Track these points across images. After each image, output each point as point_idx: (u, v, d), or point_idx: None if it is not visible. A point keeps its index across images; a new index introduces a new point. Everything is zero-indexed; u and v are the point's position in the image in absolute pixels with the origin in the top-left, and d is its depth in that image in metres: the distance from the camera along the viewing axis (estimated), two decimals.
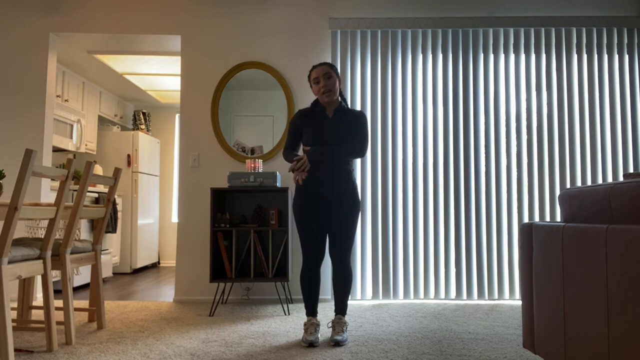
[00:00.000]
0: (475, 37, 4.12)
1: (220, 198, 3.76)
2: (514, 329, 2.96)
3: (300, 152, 3.60)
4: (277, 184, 3.59)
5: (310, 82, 2.83)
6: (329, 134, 2.75)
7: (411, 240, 4.00)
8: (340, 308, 2.80)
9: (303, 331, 2.81)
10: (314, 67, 2.81)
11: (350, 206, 2.76)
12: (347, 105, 2.91)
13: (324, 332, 2.93)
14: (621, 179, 4.01)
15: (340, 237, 2.74)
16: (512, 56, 4.13)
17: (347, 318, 3.30)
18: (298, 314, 3.43)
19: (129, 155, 5.92)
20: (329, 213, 2.76)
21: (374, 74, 4.08)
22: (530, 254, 2.13)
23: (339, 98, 2.87)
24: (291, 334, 2.86)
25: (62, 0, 4.06)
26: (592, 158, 4.07)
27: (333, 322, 2.75)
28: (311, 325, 2.70)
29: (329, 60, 4.08)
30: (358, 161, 4.04)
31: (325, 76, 2.75)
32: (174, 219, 7.00)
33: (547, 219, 4.04)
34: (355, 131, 2.80)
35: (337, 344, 2.61)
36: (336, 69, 2.82)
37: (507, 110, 4.10)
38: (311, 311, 2.78)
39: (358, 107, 4.07)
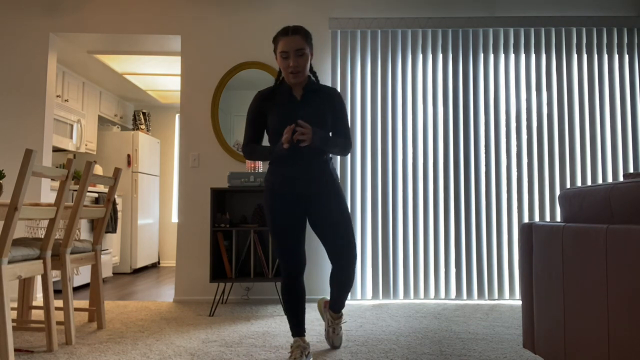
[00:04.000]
0: (475, 37, 4.12)
1: (220, 198, 3.76)
2: (514, 329, 2.96)
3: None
4: None
5: (276, 51, 2.28)
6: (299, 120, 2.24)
7: (411, 240, 4.00)
8: (339, 306, 2.50)
9: (290, 352, 2.33)
10: (283, 34, 2.24)
11: (338, 201, 2.34)
12: (317, 80, 2.41)
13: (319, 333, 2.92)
14: (621, 179, 4.01)
15: (340, 238, 2.33)
16: (512, 56, 4.13)
17: (349, 319, 3.29)
18: None
19: (129, 155, 5.92)
20: (314, 216, 2.35)
21: (374, 74, 4.08)
22: (530, 254, 2.13)
23: (309, 74, 2.37)
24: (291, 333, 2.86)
25: (62, 0, 4.06)
26: (592, 158, 4.06)
27: (333, 321, 2.55)
28: (297, 349, 2.25)
29: (329, 61, 4.08)
30: (358, 160, 4.03)
31: (297, 53, 2.22)
32: (174, 219, 7.00)
33: (547, 219, 4.04)
34: (327, 115, 2.32)
35: (333, 346, 2.55)
36: (311, 39, 2.30)
37: (507, 110, 4.10)
38: (297, 331, 2.32)
39: (358, 107, 4.06)
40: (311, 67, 2.37)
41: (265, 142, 3.43)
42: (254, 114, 2.36)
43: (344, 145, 2.37)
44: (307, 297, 3.94)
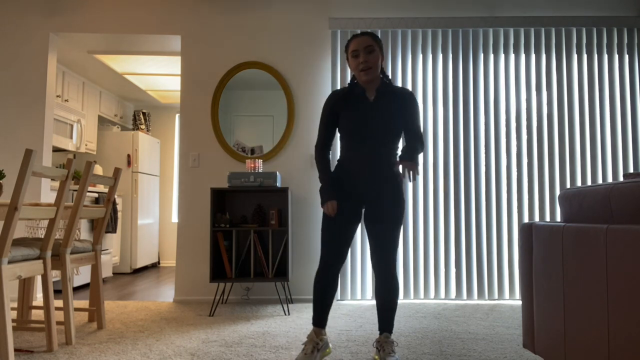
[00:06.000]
0: (475, 37, 4.12)
1: (220, 198, 3.76)
2: (514, 329, 2.96)
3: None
4: (277, 184, 3.59)
5: (348, 55, 2.37)
6: (371, 124, 2.31)
7: (411, 240, 4.00)
8: (386, 325, 2.36)
9: (303, 345, 2.33)
10: (354, 36, 2.35)
11: (395, 207, 2.34)
12: (389, 81, 2.42)
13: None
14: (621, 179, 4.01)
15: (385, 243, 2.32)
16: (512, 56, 4.13)
17: (349, 319, 3.29)
18: (298, 314, 3.43)
19: (129, 155, 5.92)
20: (368, 214, 2.37)
21: None
22: (530, 254, 2.13)
23: (381, 75, 2.41)
24: (291, 333, 2.86)
25: (62, 0, 4.06)
26: (592, 158, 4.07)
27: (380, 341, 2.33)
28: (310, 343, 2.29)
29: (329, 61, 4.08)
30: None
31: (367, 50, 2.29)
32: (174, 219, 7.00)
33: (547, 219, 4.04)
34: (399, 117, 2.34)
35: None
36: (380, 42, 2.37)
37: (507, 110, 4.10)
38: (319, 321, 2.34)
39: None
40: (383, 70, 2.41)
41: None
42: (327, 113, 2.40)
43: (418, 150, 2.38)
44: (305, 297, 3.94)
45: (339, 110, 2.37)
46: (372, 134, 2.31)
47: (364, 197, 2.36)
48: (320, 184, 2.36)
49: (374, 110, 2.33)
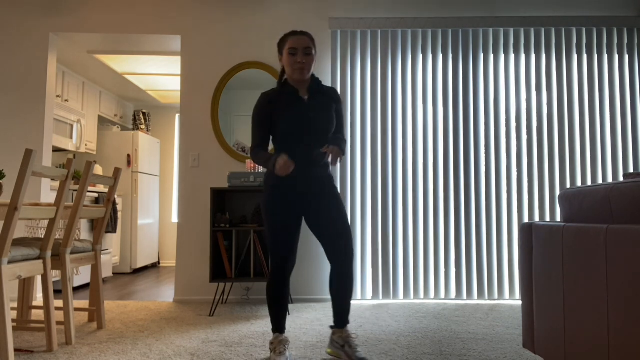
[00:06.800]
0: (475, 37, 4.12)
1: (220, 198, 3.76)
2: (514, 329, 2.96)
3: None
4: None
5: (282, 50, 2.35)
6: (308, 123, 2.31)
7: (411, 240, 4.00)
8: (346, 317, 2.36)
9: (270, 351, 2.34)
10: (294, 33, 2.33)
11: (336, 201, 2.38)
12: (319, 80, 2.45)
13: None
14: (621, 179, 4.01)
15: (339, 237, 2.32)
16: (512, 56, 4.13)
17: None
18: (298, 314, 3.43)
19: (129, 155, 5.92)
20: (313, 215, 2.37)
21: (374, 74, 4.08)
22: (530, 254, 2.13)
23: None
24: (291, 333, 2.86)
25: (62, 0, 4.06)
26: (592, 158, 4.07)
27: (342, 337, 2.33)
28: (280, 343, 2.31)
29: (329, 61, 4.08)
30: (358, 160, 4.03)
31: (305, 51, 2.30)
32: (174, 219, 7.00)
33: (547, 219, 4.04)
34: (333, 115, 2.39)
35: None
36: (315, 45, 2.39)
37: (507, 110, 4.10)
38: (280, 327, 2.36)
39: (358, 107, 4.06)
40: (313, 74, 2.45)
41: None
42: (260, 116, 2.36)
43: (345, 142, 2.44)
44: (305, 297, 3.95)
45: (273, 110, 2.34)
46: (309, 133, 2.31)
47: (302, 197, 2.36)
48: (267, 166, 2.33)
49: (310, 110, 2.34)
